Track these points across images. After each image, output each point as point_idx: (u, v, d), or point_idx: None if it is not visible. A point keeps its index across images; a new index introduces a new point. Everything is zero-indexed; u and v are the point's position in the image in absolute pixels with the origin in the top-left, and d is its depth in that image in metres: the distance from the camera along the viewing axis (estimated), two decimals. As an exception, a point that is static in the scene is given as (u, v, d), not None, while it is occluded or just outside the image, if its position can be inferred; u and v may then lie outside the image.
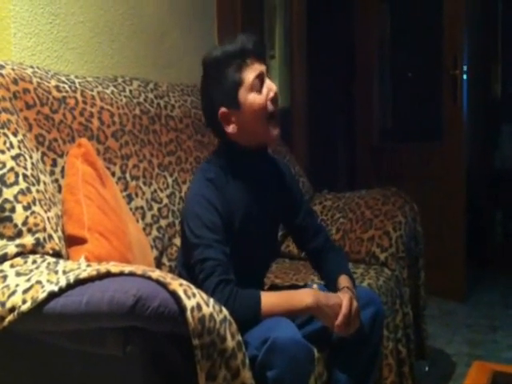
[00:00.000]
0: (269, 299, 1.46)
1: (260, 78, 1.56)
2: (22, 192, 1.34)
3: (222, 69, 1.55)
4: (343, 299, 1.52)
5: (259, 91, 1.55)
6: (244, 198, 1.61)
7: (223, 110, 1.55)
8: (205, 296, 1.10)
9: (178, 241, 1.97)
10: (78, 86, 1.81)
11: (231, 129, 1.56)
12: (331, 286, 1.67)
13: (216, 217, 1.51)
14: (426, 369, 2.57)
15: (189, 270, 1.57)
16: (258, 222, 1.64)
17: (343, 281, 1.66)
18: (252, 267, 1.64)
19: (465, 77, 3.49)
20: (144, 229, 1.86)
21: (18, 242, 1.29)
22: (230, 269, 1.47)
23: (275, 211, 1.72)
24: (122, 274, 1.12)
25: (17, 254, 1.27)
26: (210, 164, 1.64)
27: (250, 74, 1.54)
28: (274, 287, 1.84)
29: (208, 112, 1.62)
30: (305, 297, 1.49)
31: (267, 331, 1.34)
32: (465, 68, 3.48)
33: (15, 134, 1.43)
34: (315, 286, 1.61)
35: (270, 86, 1.57)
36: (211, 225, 1.50)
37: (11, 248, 1.27)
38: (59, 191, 1.55)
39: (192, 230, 1.51)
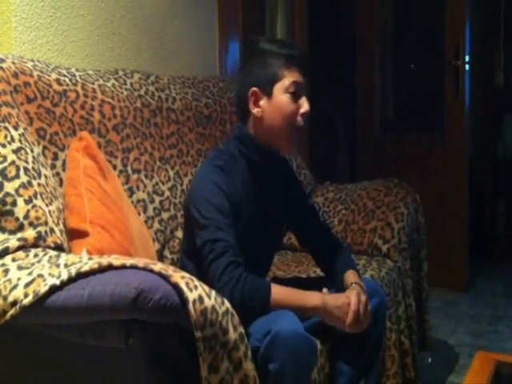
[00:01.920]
0: (279, 291, 1.47)
1: (297, 87, 1.58)
2: (23, 186, 1.34)
3: (269, 56, 1.58)
4: (351, 296, 1.52)
5: (294, 100, 1.58)
6: (251, 190, 1.62)
7: (255, 89, 1.58)
8: (207, 288, 1.10)
9: (180, 234, 1.97)
10: (78, 79, 1.81)
11: (256, 111, 1.59)
12: (338, 282, 1.66)
13: (225, 201, 1.51)
14: (429, 360, 2.57)
15: (193, 257, 1.57)
16: (263, 216, 1.65)
17: (350, 276, 1.65)
18: (256, 261, 1.63)
19: (467, 67, 3.48)
20: (146, 222, 1.86)
21: (19, 235, 1.29)
22: (240, 253, 1.47)
23: (281, 207, 1.73)
24: (123, 266, 1.12)
25: (18, 248, 1.27)
26: (219, 153, 1.65)
27: (290, 76, 1.58)
28: (277, 280, 1.84)
29: (241, 86, 1.62)
30: (313, 297, 1.49)
31: (269, 323, 1.34)
32: (467, 58, 3.46)
33: (16, 128, 1.43)
34: (325, 289, 1.60)
35: (305, 103, 1.60)
36: (222, 208, 1.50)
37: (13, 242, 1.27)
38: (60, 185, 1.56)
39: (202, 213, 1.50)
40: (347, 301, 1.51)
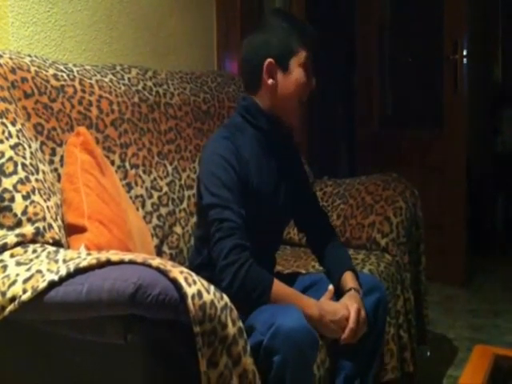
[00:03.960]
0: (280, 289, 1.47)
1: (309, 65, 1.63)
2: (21, 181, 1.33)
3: (286, 30, 1.61)
4: (351, 311, 1.50)
5: (307, 75, 1.63)
6: (260, 161, 1.62)
7: (271, 60, 1.60)
8: (205, 283, 1.10)
9: (178, 229, 1.98)
10: (76, 74, 1.80)
11: (270, 82, 1.61)
12: (335, 280, 1.66)
13: (234, 175, 1.52)
14: (428, 354, 2.58)
15: (207, 243, 1.54)
16: (274, 187, 1.65)
17: (349, 280, 1.64)
18: (266, 236, 1.64)
19: (465, 61, 3.47)
20: (144, 217, 1.86)
21: (17, 231, 1.29)
22: (246, 236, 1.47)
23: (289, 181, 1.72)
24: (122, 262, 1.12)
25: (17, 244, 1.27)
26: (225, 127, 1.66)
27: (304, 54, 1.62)
28: (276, 274, 1.84)
29: (255, 56, 1.63)
30: (312, 306, 1.48)
31: (273, 316, 1.34)
32: (465, 52, 3.46)
33: (14, 124, 1.43)
34: (331, 286, 1.60)
35: (314, 81, 1.66)
36: (229, 183, 1.51)
37: (11, 238, 1.27)
38: (58, 180, 1.55)
39: (208, 188, 1.51)
40: (346, 314, 1.50)
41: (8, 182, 1.32)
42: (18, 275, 1.17)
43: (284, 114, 1.65)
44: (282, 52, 1.60)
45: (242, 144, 1.59)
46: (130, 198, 1.82)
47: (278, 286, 1.47)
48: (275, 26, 1.62)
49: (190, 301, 1.04)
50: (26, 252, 1.25)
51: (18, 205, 1.31)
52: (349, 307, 1.51)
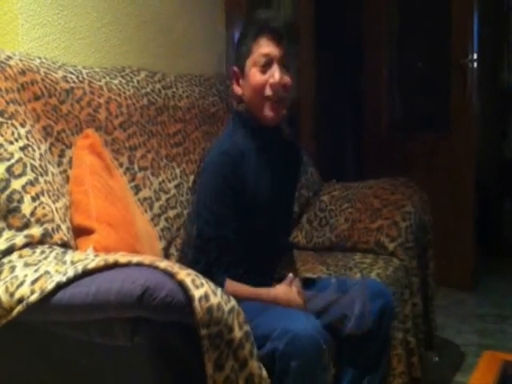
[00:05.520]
0: (234, 288, 1.50)
1: (268, 59, 1.58)
2: (30, 183, 1.34)
3: (243, 35, 1.64)
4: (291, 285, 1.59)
5: (263, 71, 1.59)
6: (257, 175, 1.62)
7: (235, 69, 1.65)
8: (213, 286, 1.10)
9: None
10: (85, 76, 1.81)
11: (236, 89, 1.65)
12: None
13: (229, 189, 1.54)
14: (436, 359, 2.56)
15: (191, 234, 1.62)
16: (269, 200, 1.65)
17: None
18: (264, 249, 1.65)
19: (474, 65, 3.46)
20: (152, 219, 1.86)
21: (26, 232, 1.29)
22: (228, 252, 1.52)
23: (286, 193, 1.74)
24: (129, 264, 1.12)
25: (25, 245, 1.27)
26: (223, 139, 1.68)
27: (258, 50, 1.59)
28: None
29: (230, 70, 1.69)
30: (266, 294, 1.56)
31: (288, 322, 1.35)
32: (475, 56, 3.45)
33: (23, 125, 1.43)
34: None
35: (274, 73, 1.58)
36: (224, 198, 1.54)
37: (19, 239, 1.28)
38: (67, 182, 1.55)
39: (202, 200, 1.57)
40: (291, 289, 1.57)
41: (17, 184, 1.32)
42: (26, 276, 1.17)
43: (255, 116, 1.64)
44: (240, 57, 1.62)
45: (240, 157, 1.60)
46: (138, 200, 1.82)
47: (231, 287, 1.50)
48: (240, 33, 1.67)
49: (196, 303, 1.04)
50: (34, 253, 1.25)
51: (27, 206, 1.31)
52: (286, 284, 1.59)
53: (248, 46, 1.59)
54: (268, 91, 1.59)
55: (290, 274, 1.65)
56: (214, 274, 1.47)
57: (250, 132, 1.65)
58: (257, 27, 1.60)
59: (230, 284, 1.51)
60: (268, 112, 1.61)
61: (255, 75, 1.59)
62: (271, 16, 1.64)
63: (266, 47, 1.58)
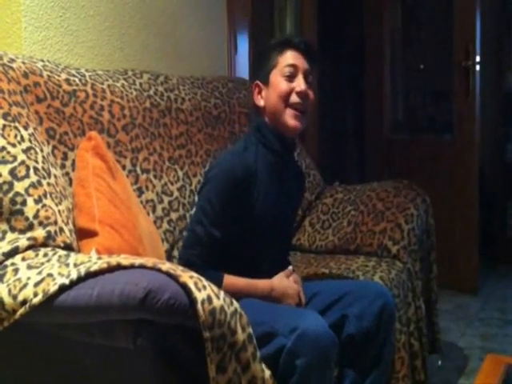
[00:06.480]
0: (231, 282, 1.57)
1: (294, 69, 1.67)
2: (33, 185, 1.34)
3: (269, 52, 1.72)
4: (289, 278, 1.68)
5: (289, 81, 1.67)
6: (265, 194, 1.67)
7: (257, 82, 1.72)
8: (215, 288, 1.10)
9: (188, 234, 1.97)
10: (88, 79, 1.81)
11: (258, 100, 1.71)
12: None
13: (232, 194, 1.60)
14: (439, 362, 2.55)
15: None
16: (272, 218, 1.69)
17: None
18: (261, 268, 1.69)
19: (477, 68, 3.45)
20: (155, 222, 1.86)
21: (29, 235, 1.29)
22: (214, 254, 1.60)
23: (287, 215, 1.81)
24: (132, 266, 1.12)
25: (28, 247, 1.27)
26: (236, 144, 1.76)
27: (284, 60, 1.68)
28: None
29: (250, 89, 1.78)
30: (262, 286, 1.62)
31: (296, 320, 1.36)
32: (478, 59, 3.44)
33: (26, 128, 1.43)
34: (290, 267, 1.71)
35: (300, 83, 1.67)
36: (225, 200, 1.60)
37: (22, 241, 1.28)
38: (70, 184, 1.56)
39: (203, 200, 1.64)
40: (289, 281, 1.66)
41: (20, 186, 1.32)
42: (29, 278, 1.17)
43: (279, 124, 1.69)
44: (263, 70, 1.70)
45: (253, 157, 1.66)
46: (141, 202, 1.82)
47: (230, 281, 1.57)
48: (261, 54, 1.77)
49: (199, 306, 1.04)
50: (37, 255, 1.25)
51: (30, 208, 1.31)
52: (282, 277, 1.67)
53: (274, 59, 1.68)
54: (294, 98, 1.66)
55: (290, 267, 1.72)
56: (193, 263, 1.52)
57: (266, 148, 1.70)
58: (282, 41, 1.72)
59: (228, 276, 1.57)
60: (291, 120, 1.67)
61: (281, 82, 1.67)
62: (293, 34, 1.79)
63: (292, 58, 1.68)
